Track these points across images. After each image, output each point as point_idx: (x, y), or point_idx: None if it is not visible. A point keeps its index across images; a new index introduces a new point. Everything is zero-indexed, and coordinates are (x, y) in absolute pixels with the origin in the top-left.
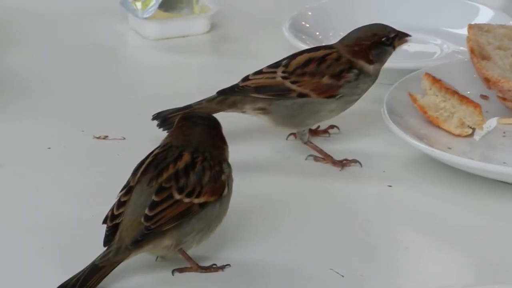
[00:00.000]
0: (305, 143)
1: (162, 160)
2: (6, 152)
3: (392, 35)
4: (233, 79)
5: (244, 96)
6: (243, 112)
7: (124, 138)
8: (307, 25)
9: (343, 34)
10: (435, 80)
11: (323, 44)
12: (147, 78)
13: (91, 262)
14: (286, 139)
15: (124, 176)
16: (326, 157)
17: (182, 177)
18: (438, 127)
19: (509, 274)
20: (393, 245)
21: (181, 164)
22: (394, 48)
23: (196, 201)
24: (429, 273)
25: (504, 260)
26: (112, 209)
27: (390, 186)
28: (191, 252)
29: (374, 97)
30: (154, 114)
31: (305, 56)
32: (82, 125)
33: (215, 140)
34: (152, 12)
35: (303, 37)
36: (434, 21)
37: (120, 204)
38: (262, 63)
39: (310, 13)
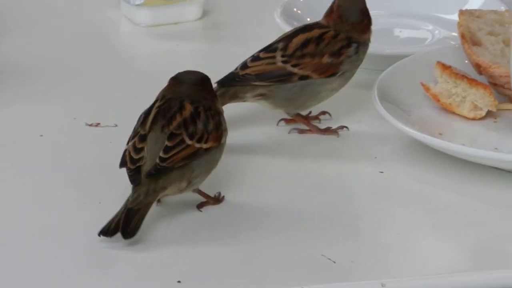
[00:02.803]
0: (292, 117)
1: (167, 110)
2: None
3: None
4: (226, 66)
5: (245, 85)
6: (244, 100)
7: (116, 125)
8: (299, 12)
9: None
10: (445, 67)
11: None
12: (139, 65)
13: (122, 206)
14: (277, 125)
15: (116, 163)
16: (312, 128)
17: (190, 124)
18: (453, 113)
19: (502, 260)
20: (385, 231)
21: (186, 113)
22: None
23: (204, 146)
24: (421, 260)
25: (497, 246)
26: (128, 154)
27: (382, 172)
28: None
29: (365, 83)
30: None
31: (302, 37)
32: (74, 112)
33: (205, 93)
34: None
35: (295, 23)
36: (426, 7)
37: (137, 150)
38: (254, 49)
39: (301, 0)
